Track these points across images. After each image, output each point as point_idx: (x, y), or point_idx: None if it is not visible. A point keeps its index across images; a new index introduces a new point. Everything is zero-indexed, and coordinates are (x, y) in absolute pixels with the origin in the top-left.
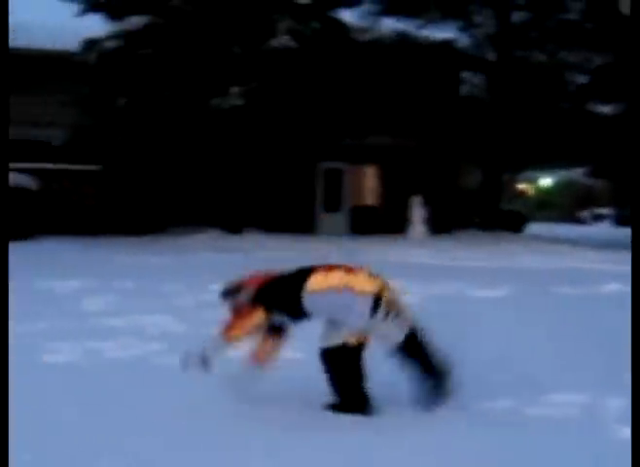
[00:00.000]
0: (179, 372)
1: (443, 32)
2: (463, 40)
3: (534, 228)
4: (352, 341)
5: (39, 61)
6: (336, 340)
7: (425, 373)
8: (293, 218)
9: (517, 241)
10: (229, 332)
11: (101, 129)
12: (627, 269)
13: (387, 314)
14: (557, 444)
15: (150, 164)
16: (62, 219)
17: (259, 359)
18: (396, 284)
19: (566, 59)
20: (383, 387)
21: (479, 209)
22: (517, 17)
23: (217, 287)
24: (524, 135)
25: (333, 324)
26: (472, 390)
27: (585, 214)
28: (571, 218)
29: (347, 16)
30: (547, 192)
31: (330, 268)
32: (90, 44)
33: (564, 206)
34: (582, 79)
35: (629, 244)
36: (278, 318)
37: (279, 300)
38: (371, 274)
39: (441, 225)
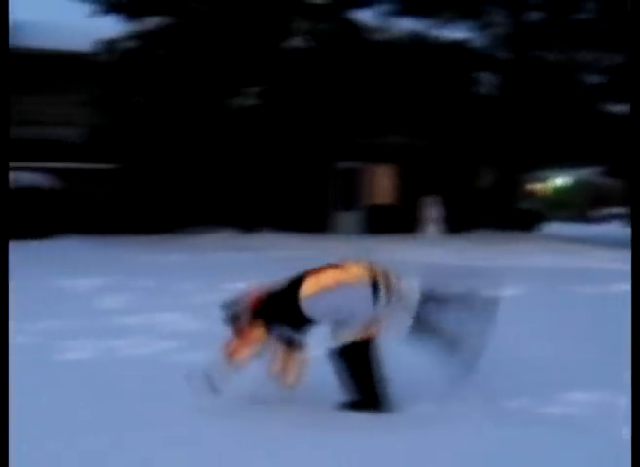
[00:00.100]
0: (192, 370)
1: (457, 32)
2: (477, 40)
3: (548, 227)
4: (361, 336)
5: (54, 61)
6: (344, 338)
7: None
8: (307, 217)
9: (531, 240)
10: (232, 355)
11: (117, 129)
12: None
13: (389, 299)
14: (571, 442)
15: (165, 164)
16: (78, 218)
17: (280, 377)
18: (409, 283)
19: (580, 59)
20: (400, 383)
21: (493, 208)
22: (532, 16)
23: (234, 285)
24: (538, 135)
25: (339, 323)
26: (486, 388)
27: (598, 213)
28: (585, 217)
29: (362, 16)
30: (561, 191)
31: (320, 270)
32: (108, 44)
33: (578, 206)
34: (596, 78)
35: None
36: (282, 331)
37: (277, 312)
38: (362, 265)
39: (455, 224)
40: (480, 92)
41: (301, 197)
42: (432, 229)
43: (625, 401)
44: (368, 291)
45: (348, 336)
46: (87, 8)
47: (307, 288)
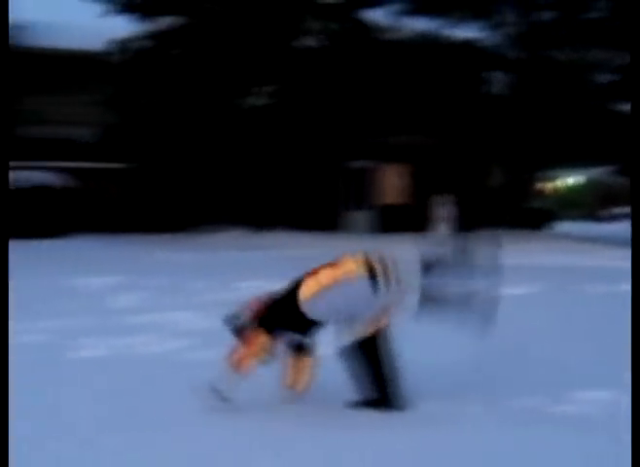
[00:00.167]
0: (204, 368)
1: (468, 32)
2: (488, 39)
3: (559, 226)
4: (371, 330)
5: (67, 61)
6: (354, 334)
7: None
8: (319, 216)
9: (542, 240)
10: (237, 364)
11: (130, 128)
12: None
13: (389, 286)
14: (580, 442)
15: (177, 163)
16: (91, 217)
17: (291, 385)
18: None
19: (591, 58)
20: (410, 381)
21: (504, 208)
22: (543, 16)
23: (246, 284)
24: (549, 134)
25: (345, 320)
26: (494, 387)
27: (609, 213)
28: (595, 217)
29: (373, 16)
30: (571, 190)
31: (317, 270)
32: (120, 44)
33: (589, 205)
34: (607, 77)
35: None
36: (289, 337)
37: (280, 319)
38: (358, 258)
39: (466, 223)
40: (492, 92)
41: (312, 197)
42: (443, 228)
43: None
44: (366, 283)
45: (358, 332)
46: (100, 8)
47: (306, 290)
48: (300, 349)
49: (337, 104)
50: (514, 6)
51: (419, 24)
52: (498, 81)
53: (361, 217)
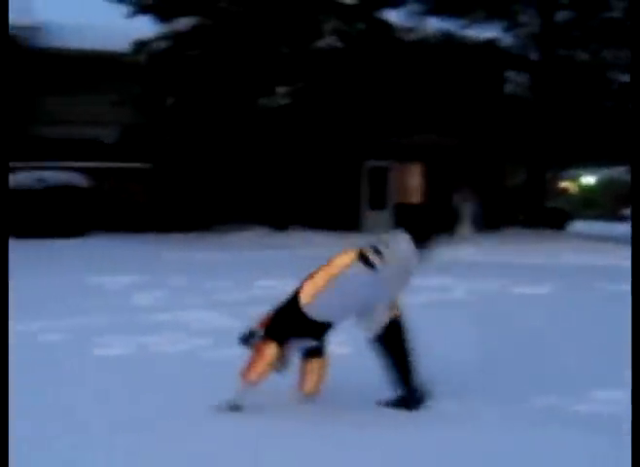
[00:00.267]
0: (225, 366)
1: (487, 32)
2: (507, 39)
3: (578, 225)
4: (389, 317)
5: (90, 62)
6: (375, 325)
7: None
8: (338, 215)
9: (561, 239)
10: (248, 375)
11: (151, 128)
12: None
13: (383, 259)
14: (598, 442)
15: (198, 162)
16: (113, 216)
17: (305, 389)
18: (441, 281)
19: (610, 58)
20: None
21: (523, 207)
22: (561, 16)
23: (264, 283)
24: (568, 134)
25: (359, 314)
26: (515, 386)
27: (627, 212)
28: (614, 216)
29: (392, 16)
30: (590, 190)
31: (313, 274)
32: (140, 45)
33: (607, 204)
34: (625, 77)
35: None
36: (299, 343)
37: (286, 327)
38: (349, 251)
39: (486, 222)
40: (510, 92)
41: (332, 196)
42: (463, 227)
43: None
44: (361, 268)
45: (376, 323)
46: (121, 9)
47: (306, 294)
48: (311, 352)
49: (358, 104)
50: (532, 6)
51: (439, 25)
52: (517, 81)
53: (381, 216)
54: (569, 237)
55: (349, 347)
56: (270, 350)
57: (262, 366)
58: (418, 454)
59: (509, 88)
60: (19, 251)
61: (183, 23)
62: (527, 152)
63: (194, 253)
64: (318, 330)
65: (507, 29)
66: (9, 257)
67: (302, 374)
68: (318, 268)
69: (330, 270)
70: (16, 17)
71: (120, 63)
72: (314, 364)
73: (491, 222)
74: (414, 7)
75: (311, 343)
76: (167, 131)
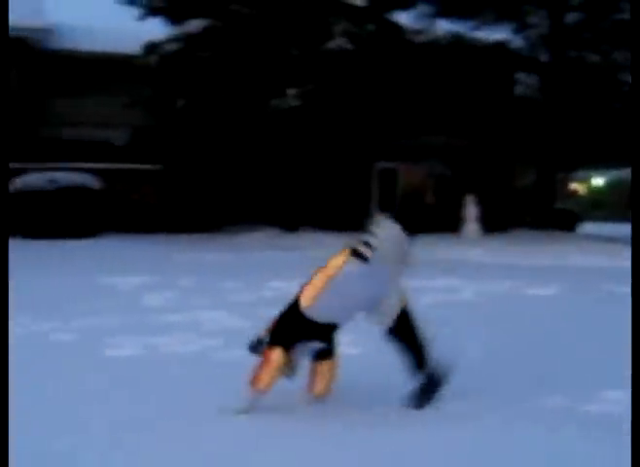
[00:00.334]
0: (235, 367)
1: (497, 33)
2: (517, 41)
3: (587, 227)
4: (401, 306)
5: (101, 64)
6: (387, 317)
7: None
8: (348, 217)
9: (569, 240)
10: (257, 384)
11: (162, 130)
12: None
13: (374, 250)
14: (606, 442)
15: (208, 164)
16: (124, 217)
17: (315, 391)
18: (448, 282)
19: (620, 60)
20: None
21: (532, 208)
22: (571, 17)
23: (275, 284)
24: (578, 135)
25: (367, 310)
26: (522, 387)
27: None
28: (623, 217)
29: (402, 18)
30: (599, 191)
31: (312, 275)
32: (151, 47)
33: (616, 205)
34: None
35: None
36: (306, 346)
37: (290, 331)
38: (342, 251)
39: (494, 223)
40: (520, 93)
41: (342, 197)
42: (471, 228)
43: None
44: (355, 263)
45: (388, 315)
46: (132, 11)
47: (305, 298)
48: (320, 354)
49: (368, 106)
50: (542, 7)
51: (449, 26)
52: (527, 82)
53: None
54: (578, 239)
55: (358, 348)
56: (276, 356)
57: (269, 373)
58: (426, 454)
59: (519, 89)
60: (31, 252)
61: (194, 25)
62: (537, 153)
63: (204, 254)
64: (323, 332)
65: (517, 31)
66: (21, 258)
67: (312, 376)
68: (316, 269)
69: (327, 272)
70: (27, 19)
71: (130, 65)
72: (324, 366)
73: (500, 223)
74: (424, 9)
75: (319, 346)
76: (178, 133)
